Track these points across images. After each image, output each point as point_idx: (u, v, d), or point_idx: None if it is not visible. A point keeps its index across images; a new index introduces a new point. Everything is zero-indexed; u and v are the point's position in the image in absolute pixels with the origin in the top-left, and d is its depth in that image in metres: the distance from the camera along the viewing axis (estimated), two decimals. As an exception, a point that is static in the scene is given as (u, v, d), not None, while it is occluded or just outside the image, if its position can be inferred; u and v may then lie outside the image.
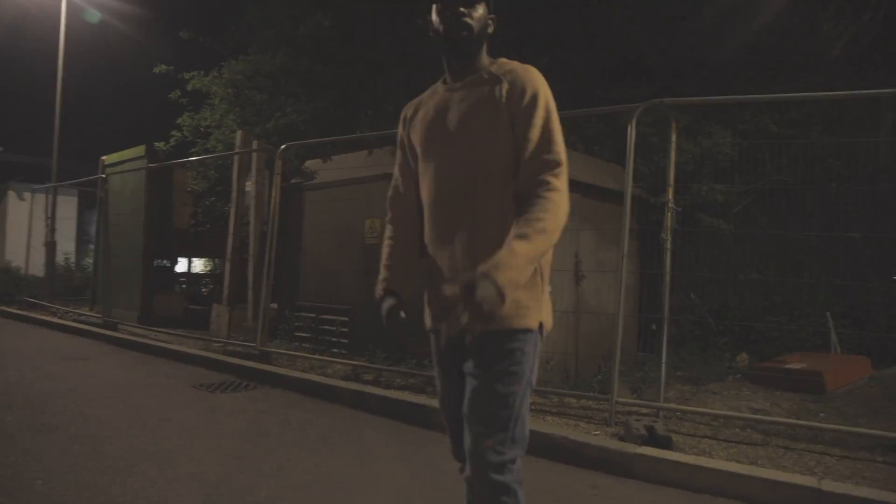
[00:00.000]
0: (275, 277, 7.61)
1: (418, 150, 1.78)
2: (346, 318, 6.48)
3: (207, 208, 9.63)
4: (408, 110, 1.86)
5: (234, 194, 7.60)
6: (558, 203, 1.52)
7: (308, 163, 7.25)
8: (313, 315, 6.82)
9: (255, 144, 7.31)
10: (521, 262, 1.45)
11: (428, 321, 1.81)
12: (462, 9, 1.65)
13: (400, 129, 1.87)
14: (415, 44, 7.10)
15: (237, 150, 7.55)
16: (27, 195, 13.39)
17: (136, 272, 9.25)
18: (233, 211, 7.62)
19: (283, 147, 6.24)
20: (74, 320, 9.51)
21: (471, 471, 1.56)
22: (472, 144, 1.64)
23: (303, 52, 7.57)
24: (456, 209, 1.65)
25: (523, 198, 1.56)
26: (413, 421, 4.34)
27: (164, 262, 10.70)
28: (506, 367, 1.57)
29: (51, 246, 11.31)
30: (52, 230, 11.33)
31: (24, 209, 13.69)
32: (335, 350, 6.44)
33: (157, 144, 9.64)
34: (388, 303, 1.75)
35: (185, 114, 9.49)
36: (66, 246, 13.23)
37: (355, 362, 5.57)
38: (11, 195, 16.03)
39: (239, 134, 7.53)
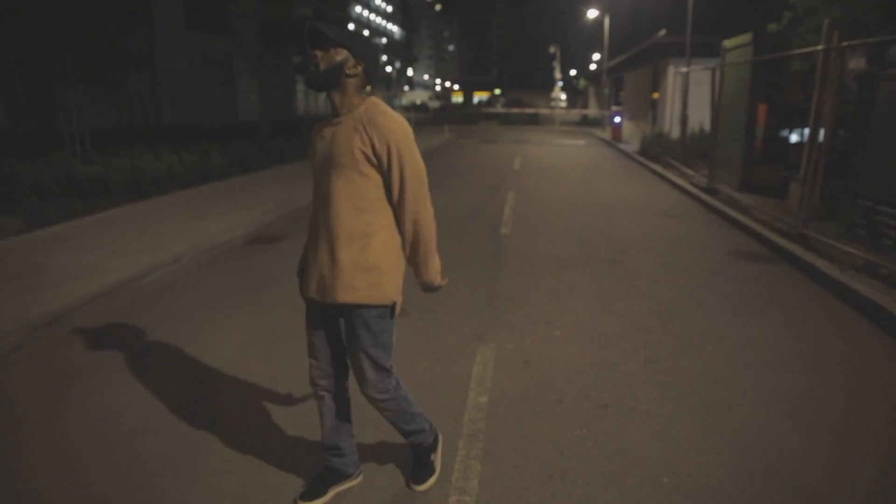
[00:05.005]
0: (842, 164, 7.95)
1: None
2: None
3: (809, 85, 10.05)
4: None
5: (817, 80, 8.04)
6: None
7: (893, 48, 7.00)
8: (870, 204, 7.03)
9: (834, 34, 7.51)
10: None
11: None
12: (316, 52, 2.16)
13: None
14: None
15: (823, 37, 7.87)
16: (675, 69, 16.10)
17: (739, 144, 10.82)
18: (815, 95, 8.11)
19: (844, 44, 6.51)
20: (691, 183, 11.96)
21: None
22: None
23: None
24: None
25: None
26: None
27: (786, 132, 11.72)
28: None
29: (683, 118, 13.85)
30: (684, 105, 13.79)
31: (675, 82, 16.63)
32: (889, 243, 6.61)
33: (770, 25, 10.49)
34: None
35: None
36: (703, 112, 15.51)
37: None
38: (671, 69, 19.36)
39: (826, 22, 7.78)
